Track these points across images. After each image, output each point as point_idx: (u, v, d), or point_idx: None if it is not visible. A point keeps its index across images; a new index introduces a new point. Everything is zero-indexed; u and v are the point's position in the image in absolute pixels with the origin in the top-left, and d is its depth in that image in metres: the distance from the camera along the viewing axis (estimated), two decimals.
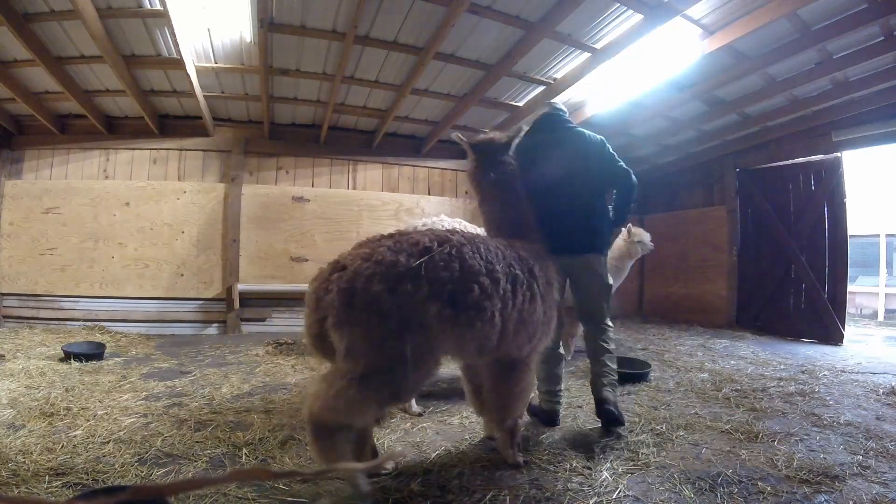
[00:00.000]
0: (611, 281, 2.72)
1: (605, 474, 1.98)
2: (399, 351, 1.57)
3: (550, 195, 2.51)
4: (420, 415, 2.75)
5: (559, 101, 5.27)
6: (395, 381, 1.62)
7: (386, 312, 1.55)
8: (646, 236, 4.61)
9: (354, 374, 1.56)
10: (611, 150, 2.66)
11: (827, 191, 5.73)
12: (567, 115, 2.77)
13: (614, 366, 2.60)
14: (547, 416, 2.63)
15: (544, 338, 2.08)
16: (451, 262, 1.69)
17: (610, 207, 2.73)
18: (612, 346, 2.60)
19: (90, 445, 2.14)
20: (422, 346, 1.62)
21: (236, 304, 5.64)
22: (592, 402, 2.66)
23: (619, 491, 1.85)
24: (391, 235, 1.78)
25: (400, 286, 1.58)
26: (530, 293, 1.93)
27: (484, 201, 2.24)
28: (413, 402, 2.75)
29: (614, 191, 2.72)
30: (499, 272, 1.80)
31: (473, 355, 1.87)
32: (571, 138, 2.64)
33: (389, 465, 1.94)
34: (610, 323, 2.64)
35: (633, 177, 2.63)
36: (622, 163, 2.64)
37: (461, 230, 2.03)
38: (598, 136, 2.67)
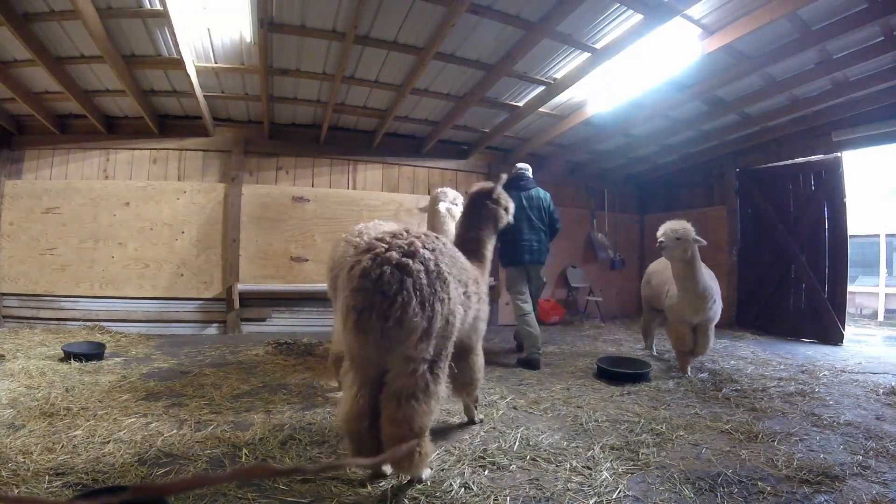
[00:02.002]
0: (545, 279, 4.63)
1: (605, 474, 1.98)
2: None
3: (524, 227, 4.23)
4: None
5: (559, 100, 5.34)
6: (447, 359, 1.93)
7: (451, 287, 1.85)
8: (660, 230, 3.61)
9: (425, 361, 1.78)
10: (553, 204, 4.45)
11: (827, 191, 5.74)
12: (531, 175, 4.46)
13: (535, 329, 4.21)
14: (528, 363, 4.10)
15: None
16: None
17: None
18: (534, 318, 4.29)
19: (90, 445, 2.14)
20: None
21: (236, 304, 5.64)
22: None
23: (619, 491, 1.85)
24: (409, 231, 1.96)
25: (452, 269, 1.91)
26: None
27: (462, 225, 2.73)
28: None
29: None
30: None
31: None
32: (535, 194, 4.35)
33: (388, 471, 1.94)
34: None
35: (559, 223, 4.51)
36: (556, 213, 4.47)
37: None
38: (548, 193, 4.44)
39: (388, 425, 1.73)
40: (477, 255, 2.52)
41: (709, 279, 3.64)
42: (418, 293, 1.69)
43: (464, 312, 1.99)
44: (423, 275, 1.72)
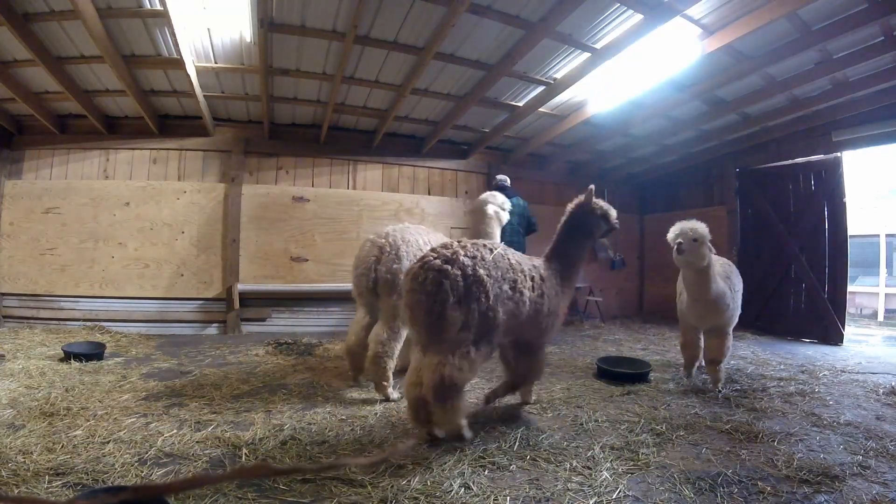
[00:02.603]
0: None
1: (605, 474, 1.98)
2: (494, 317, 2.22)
3: (507, 228, 4.24)
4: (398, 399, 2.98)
5: (559, 100, 5.35)
6: (492, 343, 2.27)
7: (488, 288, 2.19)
8: (672, 231, 3.11)
9: (468, 341, 2.14)
10: (529, 210, 5.06)
11: (827, 191, 5.74)
12: (509, 185, 5.07)
13: None
14: None
15: (552, 328, 2.71)
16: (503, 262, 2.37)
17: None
18: None
19: (90, 445, 2.14)
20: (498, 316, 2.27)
21: (236, 304, 5.64)
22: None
23: (619, 491, 1.85)
24: (458, 242, 2.33)
25: (491, 272, 2.23)
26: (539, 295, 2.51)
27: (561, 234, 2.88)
28: (392, 389, 3.03)
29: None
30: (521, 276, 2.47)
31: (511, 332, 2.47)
32: (517, 202, 4.70)
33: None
34: None
35: (537, 224, 5.10)
36: (534, 217, 5.11)
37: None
38: (524, 201, 5.02)
39: (426, 372, 2.08)
40: (567, 264, 2.74)
41: (723, 283, 3.21)
42: (455, 293, 2.08)
43: (514, 307, 2.29)
44: (459, 278, 2.10)
